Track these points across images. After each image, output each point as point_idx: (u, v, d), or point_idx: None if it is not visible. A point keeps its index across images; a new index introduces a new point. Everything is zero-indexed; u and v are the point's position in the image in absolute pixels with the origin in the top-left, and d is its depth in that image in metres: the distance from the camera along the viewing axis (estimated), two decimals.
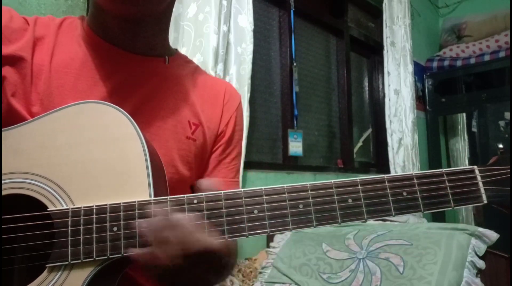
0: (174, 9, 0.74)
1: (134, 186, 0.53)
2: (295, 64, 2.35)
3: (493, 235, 1.49)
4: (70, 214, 0.52)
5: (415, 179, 0.56)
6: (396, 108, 2.91)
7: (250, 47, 1.80)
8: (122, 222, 0.51)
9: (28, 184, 0.54)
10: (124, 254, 0.50)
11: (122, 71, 0.67)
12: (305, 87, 2.55)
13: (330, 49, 2.84)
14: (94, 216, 0.52)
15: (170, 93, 0.70)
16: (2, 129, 0.56)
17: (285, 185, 0.54)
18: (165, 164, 0.62)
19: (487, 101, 3.27)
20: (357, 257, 1.58)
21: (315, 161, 2.57)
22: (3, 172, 0.54)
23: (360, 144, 3.00)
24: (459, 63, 3.45)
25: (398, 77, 2.94)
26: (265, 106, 2.26)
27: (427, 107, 3.56)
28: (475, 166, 0.57)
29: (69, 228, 0.51)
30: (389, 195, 0.55)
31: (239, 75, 1.75)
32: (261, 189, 0.54)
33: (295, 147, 2.26)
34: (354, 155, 2.86)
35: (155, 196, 0.53)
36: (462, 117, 3.74)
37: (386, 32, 2.96)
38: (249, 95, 1.79)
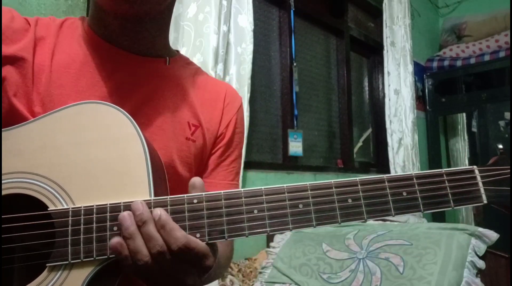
0: (174, 9, 0.74)
1: (135, 186, 0.53)
2: (295, 64, 2.35)
3: (493, 235, 1.50)
4: (70, 213, 0.52)
5: (415, 179, 0.55)
6: (396, 108, 2.91)
7: (250, 47, 1.80)
8: None
9: (28, 183, 0.54)
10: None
11: (122, 71, 0.67)
12: (305, 87, 2.55)
13: (330, 49, 2.84)
14: (95, 215, 0.52)
15: (170, 93, 0.70)
16: (3, 129, 0.56)
17: (285, 185, 0.54)
18: (164, 164, 0.62)
19: (487, 101, 3.27)
20: (357, 257, 1.58)
21: (315, 161, 2.57)
22: (3, 172, 0.54)
23: (360, 144, 3.00)
24: (459, 63, 3.45)
25: (398, 77, 2.94)
26: (265, 106, 2.26)
27: (427, 107, 3.56)
28: (475, 166, 0.57)
29: (70, 228, 0.51)
30: (389, 195, 0.55)
31: (239, 75, 1.76)
32: (261, 189, 0.54)
33: (295, 147, 2.26)
34: (354, 155, 2.86)
35: (155, 196, 0.53)
36: (462, 117, 3.74)
37: (386, 32, 2.96)
38: (249, 95, 1.79)
